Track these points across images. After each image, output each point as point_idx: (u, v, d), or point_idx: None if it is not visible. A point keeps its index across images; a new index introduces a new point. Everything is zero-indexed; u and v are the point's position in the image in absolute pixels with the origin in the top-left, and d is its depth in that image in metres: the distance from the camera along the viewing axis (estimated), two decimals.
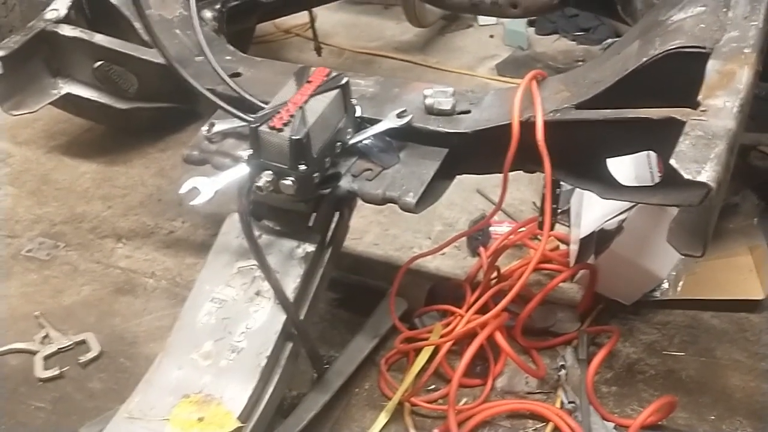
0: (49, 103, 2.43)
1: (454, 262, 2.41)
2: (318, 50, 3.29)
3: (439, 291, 2.22)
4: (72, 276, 2.44)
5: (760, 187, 2.40)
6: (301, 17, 3.58)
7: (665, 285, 2.18)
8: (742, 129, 1.45)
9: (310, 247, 1.73)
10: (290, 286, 1.69)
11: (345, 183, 1.68)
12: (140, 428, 1.58)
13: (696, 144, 1.34)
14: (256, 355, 1.64)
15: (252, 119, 1.59)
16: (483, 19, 3.84)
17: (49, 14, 2.13)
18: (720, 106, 1.40)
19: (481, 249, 2.33)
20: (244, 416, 1.59)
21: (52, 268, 2.48)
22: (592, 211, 2.18)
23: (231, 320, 1.68)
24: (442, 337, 1.99)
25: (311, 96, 1.61)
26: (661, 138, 1.44)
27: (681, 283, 2.18)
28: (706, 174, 1.28)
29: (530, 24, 3.77)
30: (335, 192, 1.69)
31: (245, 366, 1.63)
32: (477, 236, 2.41)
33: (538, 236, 2.39)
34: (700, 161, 1.30)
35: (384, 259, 2.45)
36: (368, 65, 3.64)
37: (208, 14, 2.27)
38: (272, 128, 1.54)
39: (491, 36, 3.79)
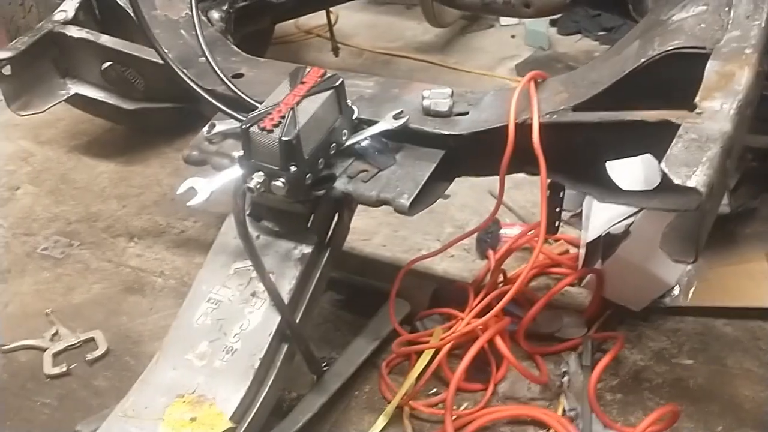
0: (69, 105, 2.47)
1: (463, 265, 2.38)
2: (335, 51, 3.27)
3: (443, 294, 2.19)
4: (84, 274, 2.47)
5: None
6: (322, 18, 3.58)
7: (676, 291, 2.12)
8: (742, 132, 1.41)
9: (307, 249, 1.72)
10: (285, 287, 1.69)
11: (340, 184, 1.66)
12: (134, 427, 1.59)
13: (689, 147, 1.30)
14: (249, 356, 1.63)
15: (243, 120, 1.59)
16: (504, 20, 3.77)
17: (58, 15, 2.16)
18: (716, 108, 1.36)
19: (490, 252, 2.30)
20: (237, 417, 1.59)
21: (65, 266, 2.51)
22: (599, 214, 2.13)
23: (226, 321, 1.68)
24: (441, 340, 1.96)
25: (304, 97, 1.60)
26: (656, 141, 1.40)
27: (692, 290, 2.11)
28: (697, 179, 1.24)
29: (552, 24, 3.70)
30: (331, 193, 1.68)
31: (239, 367, 1.63)
32: (486, 239, 2.38)
33: (549, 240, 2.36)
34: (691, 165, 1.26)
35: (391, 261, 2.43)
36: (387, 66, 3.61)
37: (215, 15, 2.28)
38: (263, 129, 1.53)
39: (512, 36, 3.74)
